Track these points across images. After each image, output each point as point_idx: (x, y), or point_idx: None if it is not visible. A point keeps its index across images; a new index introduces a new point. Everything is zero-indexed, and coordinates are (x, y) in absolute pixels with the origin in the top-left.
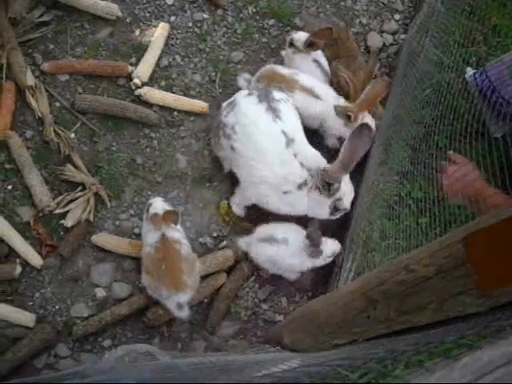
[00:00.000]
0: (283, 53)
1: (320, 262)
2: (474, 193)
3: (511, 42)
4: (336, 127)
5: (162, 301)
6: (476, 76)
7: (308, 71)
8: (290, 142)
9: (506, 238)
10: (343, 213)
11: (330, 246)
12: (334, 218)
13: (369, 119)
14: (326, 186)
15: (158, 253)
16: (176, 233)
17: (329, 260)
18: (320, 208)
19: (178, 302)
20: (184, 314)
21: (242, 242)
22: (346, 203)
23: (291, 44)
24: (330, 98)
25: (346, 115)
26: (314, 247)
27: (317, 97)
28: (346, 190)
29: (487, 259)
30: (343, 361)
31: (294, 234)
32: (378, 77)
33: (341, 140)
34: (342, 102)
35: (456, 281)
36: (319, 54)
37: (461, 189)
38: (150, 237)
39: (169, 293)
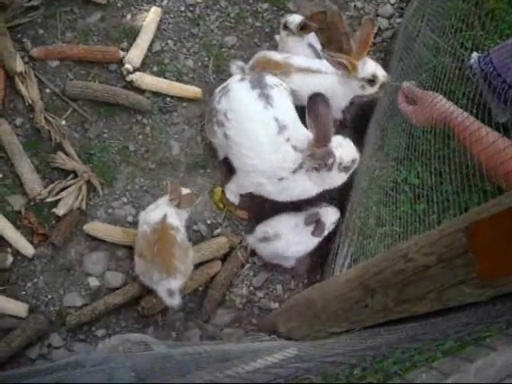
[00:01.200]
0: (277, 37)
1: (324, 234)
2: (441, 123)
3: (508, 26)
4: (341, 97)
5: (153, 286)
6: (480, 60)
7: (302, 55)
8: (282, 128)
9: (509, 226)
10: (354, 167)
11: (331, 216)
12: (347, 177)
13: (371, 63)
14: (322, 163)
15: (154, 234)
16: (176, 220)
17: (332, 228)
18: (329, 181)
19: (169, 288)
20: (175, 302)
21: (249, 241)
22: (349, 159)
23: (285, 26)
24: (330, 69)
25: (340, 64)
26: (317, 229)
27: (316, 71)
28: (342, 151)
29: (490, 249)
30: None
31: (284, 224)
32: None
33: (345, 113)
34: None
35: (457, 270)
36: (313, 38)
37: (427, 122)
38: (154, 215)
39: (160, 276)
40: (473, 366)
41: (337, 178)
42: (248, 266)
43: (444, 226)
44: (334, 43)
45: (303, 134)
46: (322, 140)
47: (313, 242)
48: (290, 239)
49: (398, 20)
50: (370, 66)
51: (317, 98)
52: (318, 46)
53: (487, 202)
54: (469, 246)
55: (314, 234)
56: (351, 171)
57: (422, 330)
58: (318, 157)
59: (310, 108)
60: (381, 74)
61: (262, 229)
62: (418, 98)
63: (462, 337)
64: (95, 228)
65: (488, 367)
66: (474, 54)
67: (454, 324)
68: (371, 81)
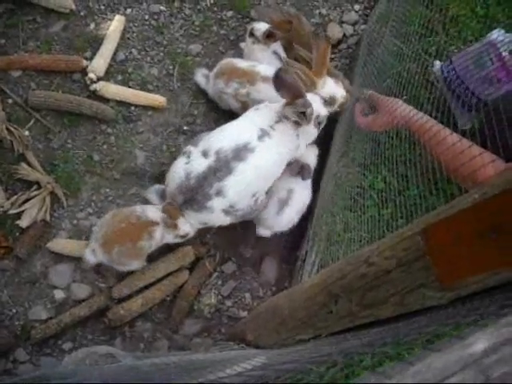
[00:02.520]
0: (242, 45)
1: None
2: (403, 128)
3: (471, 32)
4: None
5: None
6: (443, 68)
7: (267, 62)
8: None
9: (464, 229)
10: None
11: (311, 156)
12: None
13: (331, 83)
14: (301, 115)
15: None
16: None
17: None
18: (307, 136)
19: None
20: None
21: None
22: (323, 113)
23: (251, 34)
24: None
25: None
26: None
27: None
28: (316, 106)
29: (446, 251)
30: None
31: (287, 184)
32: (316, 37)
33: None
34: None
35: (416, 273)
36: (278, 46)
37: (387, 127)
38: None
39: None
40: (412, 369)
41: (313, 132)
42: (216, 274)
43: (403, 230)
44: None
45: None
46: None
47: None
48: (299, 191)
49: (363, 26)
50: (330, 87)
51: (279, 74)
52: (283, 54)
53: (445, 205)
54: (426, 248)
55: (303, 178)
56: (333, 110)
57: (385, 335)
58: (298, 106)
59: (278, 85)
60: (340, 94)
61: (274, 201)
62: (378, 104)
63: (412, 340)
64: (59, 245)
65: (427, 369)
66: (437, 63)
67: (415, 327)
68: (329, 102)
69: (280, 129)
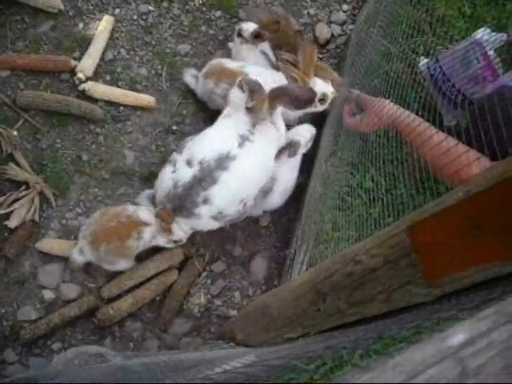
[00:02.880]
0: (230, 45)
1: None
2: (390, 127)
3: (458, 32)
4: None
5: None
6: (429, 66)
7: (255, 62)
8: None
9: (449, 226)
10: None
11: (304, 133)
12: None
13: (320, 82)
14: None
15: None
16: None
17: (309, 145)
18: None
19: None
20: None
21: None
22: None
23: (239, 34)
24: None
25: (291, 77)
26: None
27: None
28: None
29: (432, 248)
30: (297, 358)
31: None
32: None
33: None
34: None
35: (403, 271)
36: (266, 46)
37: (375, 127)
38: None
39: None
40: (392, 361)
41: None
42: (205, 274)
43: (390, 227)
44: (284, 46)
45: None
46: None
47: (298, 161)
48: (283, 174)
49: (351, 27)
50: (320, 86)
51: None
52: (271, 53)
53: (430, 202)
54: (412, 246)
55: (289, 155)
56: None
57: (372, 332)
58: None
59: (289, 99)
60: (330, 91)
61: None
62: (365, 104)
63: (395, 335)
64: (47, 245)
65: (406, 361)
66: (422, 59)
67: (401, 323)
68: (322, 99)
69: (259, 130)
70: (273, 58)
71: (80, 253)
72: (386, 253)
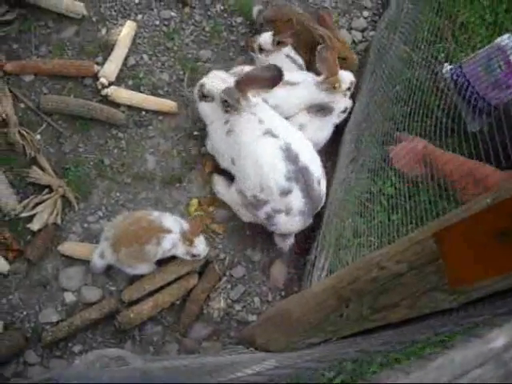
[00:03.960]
0: (253, 54)
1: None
2: (423, 156)
3: (479, 39)
4: (324, 100)
5: None
6: (453, 72)
7: (282, 67)
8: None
9: (475, 233)
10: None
11: (340, 104)
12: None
13: (347, 74)
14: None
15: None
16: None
17: (342, 116)
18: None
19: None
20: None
21: None
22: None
23: (261, 49)
24: (308, 79)
25: (332, 87)
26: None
27: (294, 84)
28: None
29: (459, 255)
30: (319, 363)
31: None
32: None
33: None
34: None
35: (428, 277)
36: (289, 49)
37: (410, 158)
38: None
39: None
40: (432, 364)
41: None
42: (225, 279)
43: (415, 234)
44: (310, 45)
45: None
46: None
47: (328, 124)
48: (313, 126)
49: (371, 33)
50: (347, 75)
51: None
52: (294, 54)
53: (456, 209)
54: (439, 252)
55: (323, 114)
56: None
57: (397, 337)
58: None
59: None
60: (352, 77)
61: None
62: (400, 138)
63: (428, 339)
64: (70, 248)
65: (448, 364)
66: (446, 65)
67: (427, 331)
68: (349, 88)
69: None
70: (299, 59)
71: (101, 256)
72: (411, 259)
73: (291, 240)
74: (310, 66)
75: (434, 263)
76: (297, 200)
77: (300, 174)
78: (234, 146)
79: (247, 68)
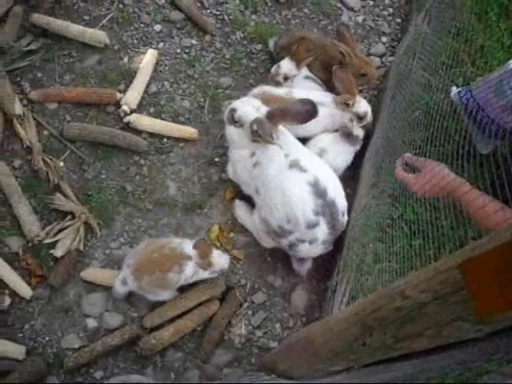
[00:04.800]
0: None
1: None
2: (446, 193)
3: (497, 62)
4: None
5: None
6: (461, 95)
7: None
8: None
9: (503, 263)
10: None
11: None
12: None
13: (365, 103)
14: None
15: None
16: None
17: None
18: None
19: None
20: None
21: None
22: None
23: (286, 77)
24: (329, 99)
25: (346, 104)
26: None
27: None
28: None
29: (485, 285)
30: None
31: (326, 139)
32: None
33: None
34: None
35: (453, 307)
36: (306, 70)
37: (432, 192)
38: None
39: None
40: None
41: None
42: (246, 305)
43: (439, 263)
44: (326, 64)
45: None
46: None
47: (350, 152)
48: (335, 150)
49: (390, 58)
50: (363, 106)
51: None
52: (312, 74)
53: (482, 238)
54: (464, 282)
55: (347, 140)
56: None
57: (420, 367)
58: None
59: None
60: (369, 112)
61: None
62: (421, 166)
63: (461, 373)
64: (92, 274)
65: None
66: (453, 88)
67: (452, 361)
68: (361, 118)
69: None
70: (316, 79)
71: (123, 282)
72: (436, 288)
73: (308, 264)
74: (328, 86)
75: (458, 293)
76: (322, 232)
77: (327, 208)
78: (260, 176)
79: (267, 88)
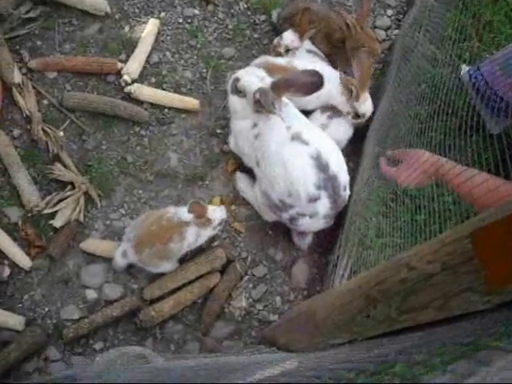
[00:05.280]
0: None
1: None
2: (433, 175)
3: (504, 37)
4: (339, 105)
5: None
6: (470, 73)
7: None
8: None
9: None
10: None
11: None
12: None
13: (369, 103)
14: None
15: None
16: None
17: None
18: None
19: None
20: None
21: None
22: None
23: (288, 50)
24: (332, 74)
25: (348, 89)
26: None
27: None
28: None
29: (497, 255)
30: (342, 363)
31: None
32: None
33: None
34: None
35: (462, 278)
36: (308, 44)
37: (419, 180)
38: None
39: None
40: (493, 367)
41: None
42: (247, 278)
43: (447, 234)
44: (334, 36)
45: None
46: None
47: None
48: (336, 122)
49: (396, 31)
50: (367, 106)
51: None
52: (315, 48)
53: (491, 208)
54: (475, 252)
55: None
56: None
57: (427, 339)
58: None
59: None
60: (368, 114)
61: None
62: (402, 157)
63: (474, 341)
64: (92, 245)
65: (509, 367)
66: (463, 67)
67: (460, 332)
68: (358, 116)
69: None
70: (319, 52)
71: (123, 255)
72: (444, 259)
73: (309, 239)
74: (331, 61)
75: (468, 263)
76: (323, 206)
77: (329, 182)
78: (261, 148)
79: (270, 58)
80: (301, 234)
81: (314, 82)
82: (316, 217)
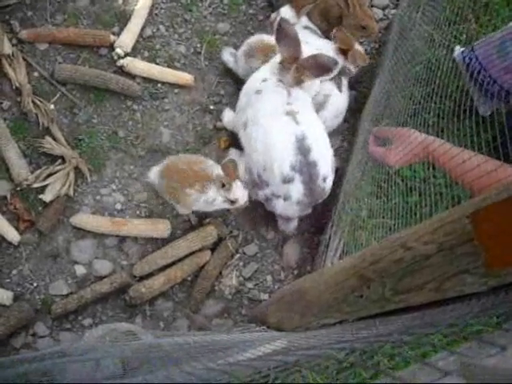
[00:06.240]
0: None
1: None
2: (421, 154)
3: (501, 20)
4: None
5: None
6: (464, 54)
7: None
8: None
9: None
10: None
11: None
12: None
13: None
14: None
15: None
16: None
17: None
18: None
19: None
20: None
21: None
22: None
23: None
24: (327, 46)
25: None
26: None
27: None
28: None
29: (498, 236)
30: (333, 343)
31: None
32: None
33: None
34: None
35: (459, 259)
36: (306, 20)
37: (407, 158)
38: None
39: None
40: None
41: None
42: (238, 256)
43: (445, 214)
44: (331, 12)
45: None
46: (295, 52)
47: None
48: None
49: (393, 11)
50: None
51: (283, 24)
52: (311, 24)
53: (491, 190)
54: (474, 233)
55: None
56: None
57: (419, 321)
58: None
59: (279, 34)
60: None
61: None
62: (392, 135)
63: (463, 328)
64: (82, 220)
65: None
66: (457, 48)
67: (455, 314)
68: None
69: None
70: (316, 29)
71: (154, 175)
72: (441, 240)
73: (294, 223)
74: (328, 37)
75: (466, 244)
76: (296, 191)
77: (305, 167)
78: (255, 105)
79: (265, 36)
80: (285, 220)
81: (330, 68)
82: (289, 200)
